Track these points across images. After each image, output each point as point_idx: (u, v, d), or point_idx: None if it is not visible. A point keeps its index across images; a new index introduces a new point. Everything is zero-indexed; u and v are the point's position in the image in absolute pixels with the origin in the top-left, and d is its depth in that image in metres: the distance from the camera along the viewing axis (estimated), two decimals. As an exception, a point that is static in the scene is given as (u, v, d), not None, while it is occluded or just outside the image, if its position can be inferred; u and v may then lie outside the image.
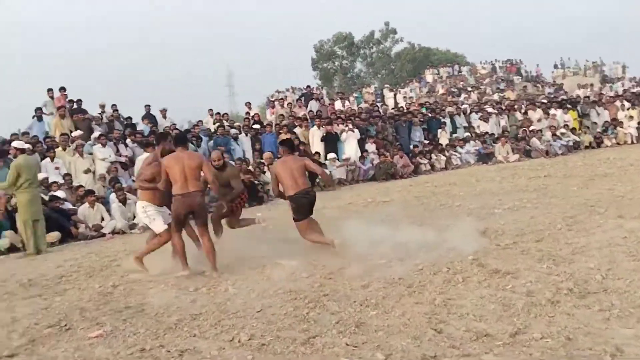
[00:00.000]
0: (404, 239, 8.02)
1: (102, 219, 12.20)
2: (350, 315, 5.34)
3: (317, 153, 17.87)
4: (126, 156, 15.08)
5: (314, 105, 22.73)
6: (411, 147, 20.39)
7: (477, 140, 21.77)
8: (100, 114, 18.08)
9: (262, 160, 16.76)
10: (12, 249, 10.81)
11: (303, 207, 8.20)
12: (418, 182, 17.25)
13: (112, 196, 12.68)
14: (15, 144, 11.54)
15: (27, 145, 12.37)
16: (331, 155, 18.02)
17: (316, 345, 4.68)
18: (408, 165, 19.16)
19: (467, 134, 22.33)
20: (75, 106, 17.37)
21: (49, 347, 5.11)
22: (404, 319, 5.13)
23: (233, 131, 18.05)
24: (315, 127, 18.86)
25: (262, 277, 6.97)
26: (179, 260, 7.45)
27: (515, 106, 25.18)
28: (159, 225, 7.68)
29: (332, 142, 18.63)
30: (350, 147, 18.85)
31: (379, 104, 27.51)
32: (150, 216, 7.69)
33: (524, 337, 4.52)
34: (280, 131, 18.82)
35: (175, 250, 7.57)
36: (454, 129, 22.58)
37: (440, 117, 22.75)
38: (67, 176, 13.41)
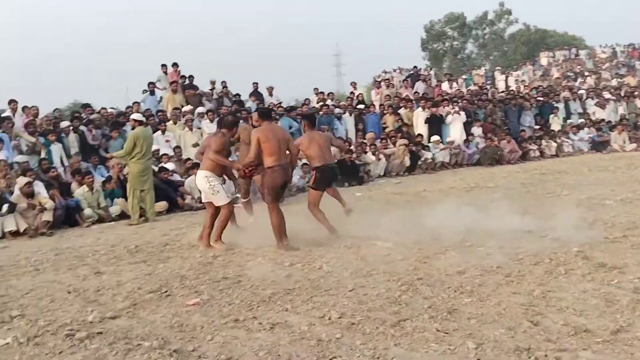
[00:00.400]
0: (505, 226, 7.78)
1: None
2: (443, 300, 5.24)
3: (420, 135, 17.61)
4: (233, 132, 15.44)
5: (420, 86, 22.35)
6: (520, 132, 19.69)
7: (591, 128, 20.73)
8: (210, 90, 18.59)
9: (364, 140, 16.73)
10: (122, 215, 11.40)
11: (326, 179, 8.47)
12: (526, 168, 16.66)
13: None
14: (134, 116, 12.06)
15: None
16: (435, 137, 17.70)
17: (406, 329, 4.63)
18: (516, 150, 18.53)
19: (582, 120, 21.31)
20: (187, 82, 17.96)
21: (149, 311, 5.34)
22: (499, 308, 4.97)
23: (337, 110, 18.07)
24: (419, 109, 18.56)
25: (357, 256, 6.97)
26: (275, 234, 7.53)
27: (636, 93, 23.70)
28: (222, 198, 7.82)
29: (436, 124, 18.29)
30: (455, 130, 18.42)
31: (488, 87, 26.69)
32: (214, 188, 7.80)
33: (626, 336, 4.26)
34: (385, 112, 18.69)
35: (274, 223, 7.61)
36: (568, 115, 21.60)
37: (554, 102, 21.81)
38: (177, 149, 13.96)
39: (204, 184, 7.84)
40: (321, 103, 18.67)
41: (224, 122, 8.28)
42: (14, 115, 13.86)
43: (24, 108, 14.39)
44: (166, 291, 5.93)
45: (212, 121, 15.04)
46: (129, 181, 11.02)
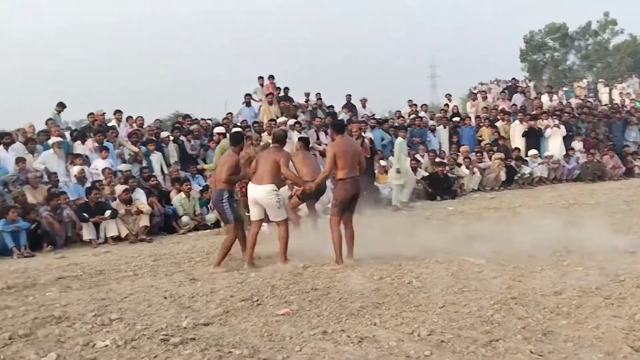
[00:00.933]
0: (605, 245, 7.43)
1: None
2: (538, 322, 5.04)
3: (517, 149, 17.10)
4: (325, 144, 15.57)
5: (518, 98, 21.72)
6: (624, 147, 18.78)
7: (702, 143, 19.49)
8: (305, 101, 18.84)
9: (458, 153, 16.43)
10: (216, 223, 11.67)
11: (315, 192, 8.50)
12: (629, 185, 15.87)
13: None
14: (217, 129, 12.52)
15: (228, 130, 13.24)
16: (532, 151, 17.14)
17: (498, 349, 4.49)
18: (619, 166, 17.70)
19: (692, 135, 20.06)
20: (282, 93, 18.28)
21: (240, 319, 5.44)
22: (598, 332, 4.74)
23: (431, 123, 17.87)
24: (517, 122, 18.04)
25: (448, 272, 6.84)
26: (335, 248, 7.44)
27: None
28: (284, 213, 7.81)
29: (534, 137, 17.69)
30: (554, 144, 17.77)
31: (591, 100, 25.62)
32: (280, 202, 7.78)
33: None
34: (481, 124, 18.30)
35: (348, 237, 7.58)
36: (676, 130, 20.38)
37: (661, 116, 20.65)
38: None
39: (271, 197, 7.67)
40: (414, 115, 18.52)
41: (232, 139, 8.22)
42: (118, 125, 14.57)
43: (127, 118, 15.11)
44: (257, 300, 6.03)
45: (299, 132, 15.22)
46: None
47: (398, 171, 13.42)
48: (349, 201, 7.59)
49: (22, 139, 12.89)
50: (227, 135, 11.78)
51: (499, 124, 18.22)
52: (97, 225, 10.76)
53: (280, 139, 8.03)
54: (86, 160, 12.40)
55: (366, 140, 12.98)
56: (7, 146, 12.33)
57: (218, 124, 14.89)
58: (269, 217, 7.83)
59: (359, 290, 6.21)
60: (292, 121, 15.63)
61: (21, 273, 8.10)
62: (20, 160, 11.74)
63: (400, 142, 13.67)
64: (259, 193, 7.67)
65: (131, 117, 15.22)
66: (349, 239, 7.58)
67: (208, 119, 16.57)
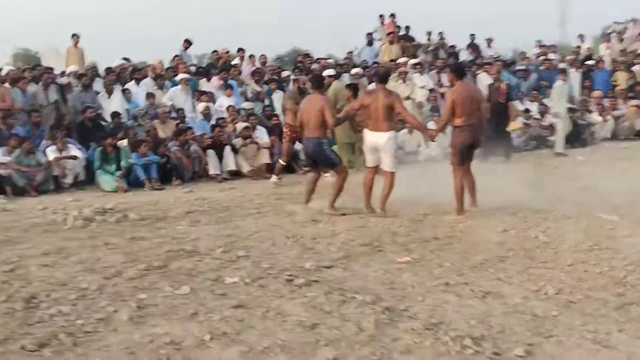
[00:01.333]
0: None
1: (419, 146, 12.55)
2: (677, 286, 4.75)
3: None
4: (447, 86, 15.16)
5: (659, 40, 20.10)
6: None
7: None
8: (426, 41, 18.32)
9: (590, 99, 15.53)
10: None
11: None
12: None
13: (431, 124, 12.93)
14: (327, 72, 12.43)
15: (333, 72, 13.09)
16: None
17: (631, 314, 4.30)
18: None
19: None
20: (403, 32, 17.86)
21: (361, 264, 5.49)
22: None
23: (561, 65, 16.91)
24: (657, 66, 16.76)
25: (577, 228, 6.54)
26: (456, 198, 7.30)
27: None
28: (396, 164, 7.60)
29: (677, 83, 16.40)
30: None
31: None
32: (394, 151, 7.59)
33: None
34: (617, 68, 17.13)
35: (469, 185, 7.42)
36: None
37: None
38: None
39: (390, 145, 7.47)
40: (542, 57, 17.58)
41: (379, 76, 7.93)
42: (241, 63, 14.85)
43: (250, 56, 15.35)
44: (378, 246, 6.06)
45: (421, 73, 14.87)
46: (336, 134, 11.24)
47: (557, 116, 13.27)
48: (468, 149, 7.39)
49: (152, 75, 13.43)
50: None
51: (636, 68, 16.98)
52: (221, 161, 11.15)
53: (385, 77, 7.84)
54: (211, 98, 12.75)
55: (502, 85, 12.52)
56: (138, 81, 12.93)
57: (337, 64, 14.84)
58: (383, 165, 7.55)
59: (481, 242, 6.10)
60: (412, 61, 15.27)
61: (153, 205, 8.55)
62: (150, 96, 12.29)
63: (559, 85, 13.69)
64: (380, 140, 7.42)
65: (253, 55, 15.45)
66: (470, 188, 7.41)
67: (328, 58, 16.49)
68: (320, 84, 8.07)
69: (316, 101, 7.61)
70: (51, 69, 12.43)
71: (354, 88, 9.54)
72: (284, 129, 10.59)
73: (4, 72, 11.77)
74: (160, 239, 6.52)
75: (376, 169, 7.63)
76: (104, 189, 10.07)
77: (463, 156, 7.33)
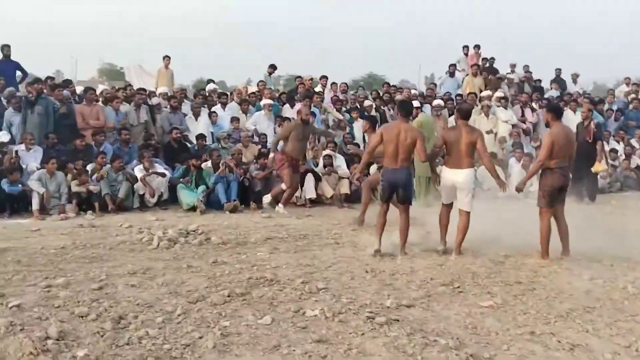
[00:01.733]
0: None
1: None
2: None
3: None
4: (530, 122, 14.92)
5: None
6: None
7: None
8: (510, 73, 18.04)
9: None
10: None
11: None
12: None
13: (513, 160, 12.74)
14: (418, 103, 12.48)
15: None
16: None
17: None
18: None
19: None
20: (487, 64, 17.66)
21: (443, 305, 5.41)
22: None
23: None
24: None
25: (669, 281, 6.26)
26: (542, 241, 7.12)
27: None
28: (472, 203, 7.36)
29: None
30: None
31: None
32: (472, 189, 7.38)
33: None
34: None
35: (561, 232, 7.23)
36: None
37: None
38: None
39: (470, 183, 7.33)
40: (632, 96, 17.01)
41: (461, 112, 7.67)
42: (323, 90, 15.04)
43: (332, 84, 15.53)
44: (458, 287, 5.96)
45: (506, 108, 14.65)
46: (416, 168, 11.14)
47: None
48: (558, 192, 7.21)
49: (237, 99, 13.80)
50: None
51: None
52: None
53: (468, 114, 7.70)
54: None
55: (592, 124, 12.18)
56: (224, 105, 13.31)
57: (421, 95, 14.83)
58: (459, 204, 7.37)
59: (567, 290, 5.90)
60: (497, 94, 15.07)
61: (233, 229, 8.72)
62: (234, 120, 12.62)
63: None
64: (459, 177, 7.28)
65: (335, 83, 15.63)
66: (563, 234, 7.23)
67: (412, 89, 16.48)
68: (409, 112, 7.91)
69: (407, 131, 7.27)
70: (144, 90, 12.96)
71: (372, 121, 9.54)
72: (279, 156, 10.59)
73: (99, 91, 12.36)
74: (241, 265, 6.64)
75: (451, 206, 7.51)
76: (185, 205, 10.43)
77: (553, 199, 7.18)
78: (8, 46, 12.82)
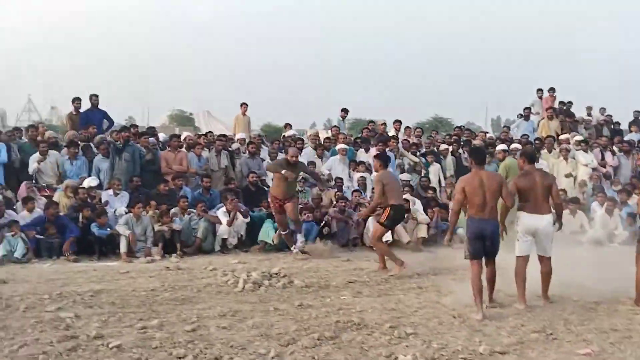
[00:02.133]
0: None
1: (581, 226, 12.00)
2: None
3: None
4: (611, 165, 14.55)
5: None
6: None
7: None
8: (587, 116, 17.68)
9: None
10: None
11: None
12: None
13: (595, 204, 12.42)
14: (500, 147, 12.46)
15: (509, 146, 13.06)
16: None
17: None
18: None
19: None
20: (564, 107, 17.39)
21: (537, 353, 5.30)
22: None
23: None
24: None
25: None
26: None
27: None
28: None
29: None
30: None
31: None
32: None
33: None
34: None
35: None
36: None
37: None
38: (549, 178, 13.64)
39: (552, 228, 7.10)
40: None
41: (527, 156, 7.44)
42: (397, 134, 15.13)
43: (405, 128, 15.63)
44: (551, 333, 5.83)
45: (586, 151, 14.36)
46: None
47: None
48: None
49: (312, 144, 14.04)
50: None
51: None
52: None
53: (533, 157, 7.54)
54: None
55: None
56: (300, 151, 13.54)
57: (500, 139, 14.79)
58: (540, 250, 7.09)
59: None
60: (577, 138, 14.80)
61: (314, 272, 8.79)
62: (310, 164, 12.80)
63: None
64: (540, 223, 7.01)
65: (409, 127, 15.71)
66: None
67: (487, 132, 16.38)
68: (483, 160, 7.36)
69: (489, 178, 6.88)
70: (224, 136, 13.36)
71: (383, 159, 9.47)
72: (269, 199, 10.54)
73: (182, 138, 12.84)
74: (327, 308, 6.68)
75: (528, 259, 7.10)
76: (264, 238, 10.79)
77: None
78: (96, 96, 13.46)
